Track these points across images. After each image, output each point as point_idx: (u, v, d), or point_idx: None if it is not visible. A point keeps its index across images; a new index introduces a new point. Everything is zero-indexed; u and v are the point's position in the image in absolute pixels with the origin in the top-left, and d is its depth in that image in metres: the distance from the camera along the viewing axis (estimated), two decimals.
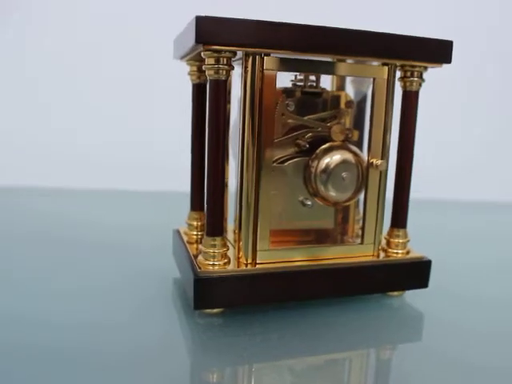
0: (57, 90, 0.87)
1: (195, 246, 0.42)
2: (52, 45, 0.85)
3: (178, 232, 0.46)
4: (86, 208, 0.75)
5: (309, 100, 0.41)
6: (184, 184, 0.47)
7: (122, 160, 0.86)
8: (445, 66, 0.39)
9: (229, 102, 0.42)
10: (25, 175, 0.82)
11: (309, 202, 0.40)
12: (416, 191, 0.43)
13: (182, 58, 0.41)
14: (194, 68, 0.42)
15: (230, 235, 0.44)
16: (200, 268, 0.36)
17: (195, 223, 0.44)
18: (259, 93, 0.35)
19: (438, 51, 0.38)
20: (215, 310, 0.37)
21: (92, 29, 0.85)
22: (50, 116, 0.88)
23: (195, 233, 0.44)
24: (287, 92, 0.40)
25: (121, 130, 0.87)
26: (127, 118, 0.87)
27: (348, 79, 0.45)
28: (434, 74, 0.43)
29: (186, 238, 0.44)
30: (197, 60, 0.41)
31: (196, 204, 0.45)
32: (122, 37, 0.84)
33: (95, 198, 0.82)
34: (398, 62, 0.38)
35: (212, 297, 0.36)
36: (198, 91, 0.43)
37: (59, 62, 0.86)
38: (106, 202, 0.81)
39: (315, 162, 0.39)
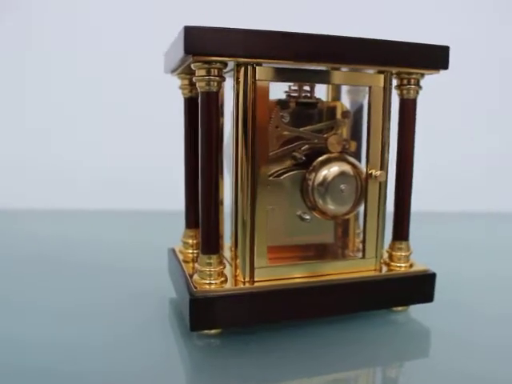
0: (53, 111, 0.86)
1: (191, 264, 0.41)
2: (51, 66, 0.85)
3: (173, 251, 0.45)
4: (81, 229, 0.73)
5: (304, 111, 0.40)
6: (180, 201, 0.46)
7: (117, 179, 0.85)
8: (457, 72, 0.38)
9: (222, 116, 0.41)
10: (20, 197, 0.82)
11: (307, 217, 0.39)
12: None
13: (172, 71, 0.40)
14: (186, 82, 0.41)
15: (227, 252, 0.42)
16: (196, 287, 0.35)
17: (190, 241, 0.43)
18: (252, 104, 0.34)
19: (435, 57, 0.37)
20: (213, 331, 0.36)
21: (91, 57, 0.85)
22: (46, 139, 0.87)
23: (191, 251, 0.43)
24: (281, 103, 0.39)
25: (114, 150, 0.86)
26: (120, 138, 0.86)
27: (344, 88, 0.44)
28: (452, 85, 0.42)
29: (181, 257, 0.42)
30: (188, 73, 0.40)
31: (191, 221, 0.43)
32: (116, 56, 0.83)
33: (90, 219, 0.81)
34: (394, 70, 0.37)
35: (209, 317, 0.34)
36: (190, 105, 0.42)
37: (56, 80, 0.85)
38: (101, 222, 0.80)
39: (312, 175, 0.38)
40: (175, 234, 0.47)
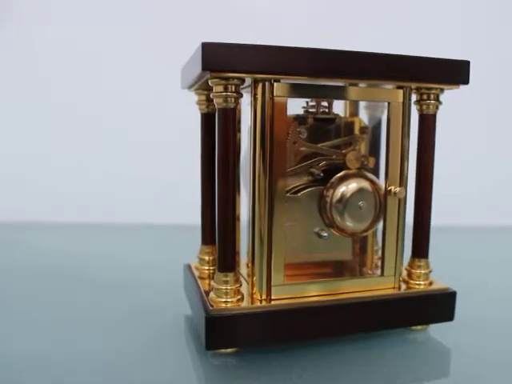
0: (58, 123, 0.86)
1: (207, 281, 0.40)
2: (53, 75, 0.85)
3: (189, 267, 0.44)
4: (97, 243, 0.73)
5: (322, 127, 0.39)
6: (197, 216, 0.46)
7: (134, 193, 0.85)
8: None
9: (239, 131, 0.41)
10: (31, 211, 0.82)
11: (325, 234, 0.38)
12: None
13: (189, 87, 0.40)
14: (203, 97, 0.41)
15: (244, 269, 0.42)
16: (212, 306, 0.34)
17: (207, 257, 0.43)
18: (270, 121, 0.34)
19: (455, 72, 0.37)
20: (229, 350, 0.35)
21: (93, 62, 0.85)
22: (52, 152, 0.87)
23: (207, 267, 0.43)
24: (299, 119, 0.38)
25: (129, 163, 0.86)
26: (137, 151, 0.86)
27: (362, 104, 0.44)
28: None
29: (197, 273, 0.42)
30: (205, 89, 0.40)
31: (207, 237, 0.43)
32: (129, 69, 0.84)
33: (106, 233, 0.81)
34: (414, 85, 0.37)
35: (225, 336, 0.34)
36: (207, 121, 0.42)
37: (62, 92, 0.85)
38: (117, 236, 0.80)
39: (330, 192, 0.38)
40: (193, 248, 0.46)
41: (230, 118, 0.33)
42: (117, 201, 0.85)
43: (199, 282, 0.40)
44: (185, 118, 0.58)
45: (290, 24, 0.81)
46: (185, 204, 0.64)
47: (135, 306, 0.45)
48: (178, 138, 0.75)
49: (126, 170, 0.86)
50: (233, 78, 0.32)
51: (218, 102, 0.33)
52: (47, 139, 0.86)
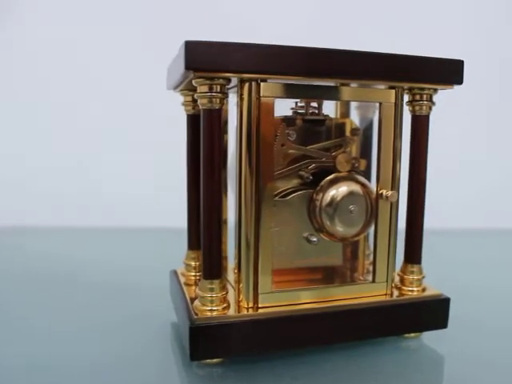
0: (49, 124, 0.85)
1: (193, 288, 0.39)
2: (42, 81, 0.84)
3: (175, 273, 0.43)
4: (83, 247, 0.72)
5: (311, 128, 0.38)
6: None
7: (120, 196, 0.84)
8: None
9: (226, 133, 0.40)
10: (18, 214, 0.81)
11: (314, 239, 0.37)
12: None
13: (175, 88, 0.39)
14: (188, 98, 0.40)
15: (232, 275, 0.40)
16: (197, 314, 0.33)
17: (193, 263, 0.42)
18: (256, 122, 0.33)
19: (448, 72, 0.36)
20: (214, 360, 0.34)
21: (93, 62, 0.83)
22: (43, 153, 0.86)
23: (193, 273, 0.41)
24: (287, 120, 0.37)
25: (117, 166, 0.85)
26: (124, 154, 0.85)
27: (353, 105, 0.42)
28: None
29: (183, 280, 0.41)
30: (191, 89, 0.39)
31: (193, 242, 0.42)
32: (129, 69, 0.82)
33: (93, 237, 0.79)
34: (406, 85, 0.36)
35: (210, 346, 0.33)
36: (193, 122, 0.40)
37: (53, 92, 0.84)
38: (104, 240, 0.78)
39: (320, 195, 0.37)
40: (181, 253, 0.45)
41: (215, 119, 0.32)
42: (107, 204, 0.83)
43: (185, 288, 0.39)
44: (171, 120, 0.57)
45: (277, 23, 0.79)
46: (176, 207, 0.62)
47: (120, 311, 0.44)
48: (166, 141, 0.74)
49: (115, 174, 0.85)
50: (218, 77, 0.31)
51: (202, 103, 0.32)
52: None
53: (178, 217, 0.58)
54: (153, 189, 0.82)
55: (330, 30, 0.73)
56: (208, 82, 0.31)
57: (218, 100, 0.31)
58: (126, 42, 0.82)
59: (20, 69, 0.84)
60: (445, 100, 0.40)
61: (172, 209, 0.66)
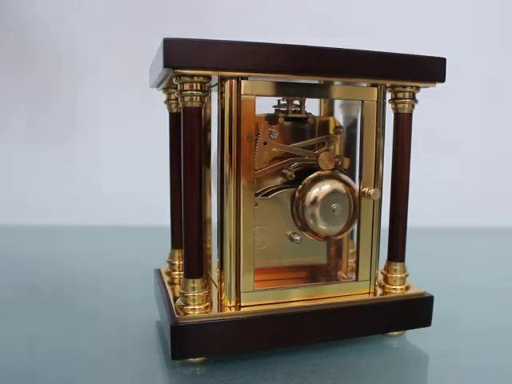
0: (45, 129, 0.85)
1: (177, 287, 0.39)
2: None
3: (158, 272, 0.43)
4: (69, 245, 0.72)
5: (294, 126, 0.38)
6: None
7: (108, 195, 0.84)
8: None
9: (210, 131, 0.39)
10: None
11: (297, 237, 0.37)
12: None
13: (157, 85, 0.39)
14: (171, 96, 0.40)
15: (215, 274, 0.40)
16: (178, 313, 0.33)
17: (177, 262, 0.41)
18: (237, 120, 0.33)
19: (431, 69, 0.36)
20: (197, 359, 0.34)
21: (92, 62, 0.84)
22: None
23: (177, 272, 0.41)
24: (269, 118, 0.37)
25: (105, 165, 0.85)
26: (110, 152, 0.85)
27: (336, 103, 0.42)
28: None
29: (167, 279, 0.41)
30: (173, 87, 0.38)
31: (177, 241, 0.42)
32: (129, 69, 0.82)
33: (80, 235, 0.79)
34: (388, 83, 0.36)
35: (192, 345, 0.33)
36: (176, 121, 0.40)
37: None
38: (92, 238, 0.78)
39: (302, 194, 0.36)
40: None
41: (196, 117, 0.32)
42: (93, 203, 0.83)
43: (168, 287, 0.38)
44: (154, 118, 0.57)
45: (258, 21, 0.79)
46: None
47: (107, 310, 0.44)
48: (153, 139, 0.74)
49: (103, 172, 0.84)
50: (198, 75, 0.31)
51: (182, 101, 0.31)
52: None
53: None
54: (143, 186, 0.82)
55: (315, 29, 0.73)
56: (188, 79, 0.31)
57: (198, 98, 0.31)
58: (119, 39, 0.83)
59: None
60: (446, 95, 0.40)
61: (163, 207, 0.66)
